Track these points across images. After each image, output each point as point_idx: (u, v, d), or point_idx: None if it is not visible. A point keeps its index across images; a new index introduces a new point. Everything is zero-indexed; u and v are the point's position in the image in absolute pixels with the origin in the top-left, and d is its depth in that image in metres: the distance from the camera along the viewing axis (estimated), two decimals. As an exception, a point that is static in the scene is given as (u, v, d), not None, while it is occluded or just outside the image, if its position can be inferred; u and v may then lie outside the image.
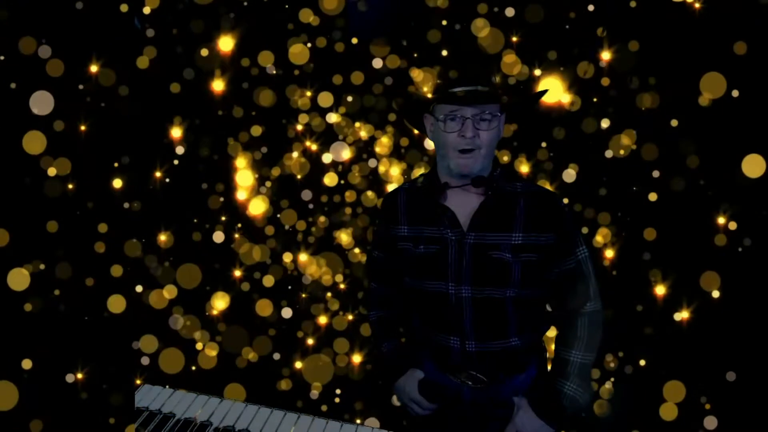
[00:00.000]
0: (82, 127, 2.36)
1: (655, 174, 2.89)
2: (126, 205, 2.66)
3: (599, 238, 2.96)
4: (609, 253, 3.01)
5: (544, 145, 2.94)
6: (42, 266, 2.25)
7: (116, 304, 2.43)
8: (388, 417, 2.68)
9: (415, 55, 2.95)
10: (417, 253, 1.56)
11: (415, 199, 1.63)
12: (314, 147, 3.19)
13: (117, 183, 2.72)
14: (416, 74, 2.91)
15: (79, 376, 2.24)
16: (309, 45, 2.90)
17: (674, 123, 2.88)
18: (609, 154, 2.97)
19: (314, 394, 2.91)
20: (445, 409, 1.62)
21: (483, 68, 1.51)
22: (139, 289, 2.73)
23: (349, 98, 3.04)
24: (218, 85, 2.92)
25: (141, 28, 2.54)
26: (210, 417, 1.42)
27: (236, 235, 3.13)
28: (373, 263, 1.80)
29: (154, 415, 1.41)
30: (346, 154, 3.14)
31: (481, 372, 1.56)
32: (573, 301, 1.57)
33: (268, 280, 3.18)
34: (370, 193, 3.18)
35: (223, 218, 3.17)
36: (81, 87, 2.28)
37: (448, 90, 1.46)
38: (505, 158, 2.96)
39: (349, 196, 3.22)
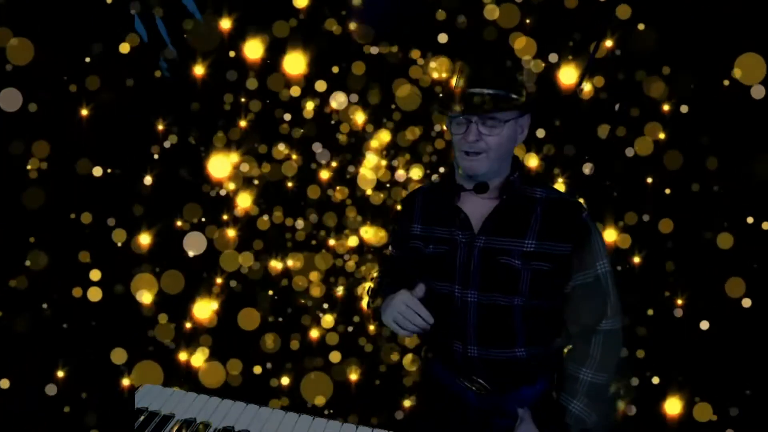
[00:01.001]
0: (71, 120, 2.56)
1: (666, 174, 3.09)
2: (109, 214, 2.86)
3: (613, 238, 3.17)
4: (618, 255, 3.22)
5: (540, 135, 3.15)
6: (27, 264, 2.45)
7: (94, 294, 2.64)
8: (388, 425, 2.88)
9: (417, 49, 3.17)
10: (426, 253, 1.74)
11: (431, 199, 1.81)
12: (302, 136, 3.38)
13: (97, 171, 2.91)
14: (433, 65, 3.14)
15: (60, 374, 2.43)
16: (305, 47, 3.10)
17: (695, 117, 3.10)
18: (629, 152, 3.18)
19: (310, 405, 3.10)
20: (447, 412, 1.80)
21: (492, 70, 1.63)
22: (147, 300, 2.92)
23: (344, 90, 3.26)
24: (204, 75, 3.14)
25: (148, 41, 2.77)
26: (210, 417, 1.62)
27: (227, 236, 3.33)
28: (388, 260, 1.98)
29: (154, 415, 1.60)
30: (333, 161, 3.35)
31: (484, 379, 1.71)
32: (589, 316, 1.67)
33: (259, 289, 3.38)
34: (372, 194, 3.39)
35: (203, 219, 3.37)
36: (65, 78, 2.48)
37: (452, 94, 1.62)
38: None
39: (340, 191, 3.42)
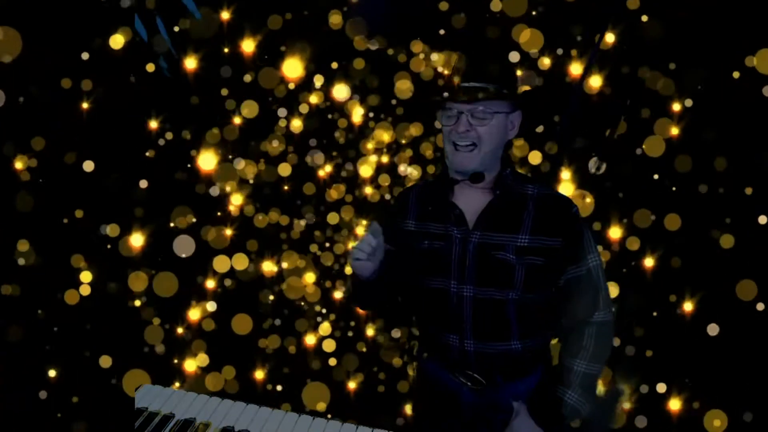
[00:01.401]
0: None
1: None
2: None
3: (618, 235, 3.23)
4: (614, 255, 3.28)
5: (539, 129, 3.21)
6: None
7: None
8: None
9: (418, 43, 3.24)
10: (421, 249, 1.82)
11: (426, 195, 1.90)
12: (299, 133, 3.44)
13: (88, 165, 2.97)
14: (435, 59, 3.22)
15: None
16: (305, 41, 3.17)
17: (705, 114, 3.16)
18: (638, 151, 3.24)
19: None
20: (444, 410, 1.87)
21: (485, 64, 1.74)
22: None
23: (345, 85, 3.32)
24: (200, 71, 3.20)
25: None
26: (210, 417, 1.67)
27: (222, 237, 3.38)
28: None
29: (154, 415, 1.65)
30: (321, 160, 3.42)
31: (480, 373, 1.80)
32: (581, 309, 1.80)
33: (256, 290, 3.43)
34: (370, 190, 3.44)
35: (194, 219, 3.42)
36: (59, 75, 2.54)
37: (446, 84, 1.73)
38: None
39: (337, 189, 3.47)
